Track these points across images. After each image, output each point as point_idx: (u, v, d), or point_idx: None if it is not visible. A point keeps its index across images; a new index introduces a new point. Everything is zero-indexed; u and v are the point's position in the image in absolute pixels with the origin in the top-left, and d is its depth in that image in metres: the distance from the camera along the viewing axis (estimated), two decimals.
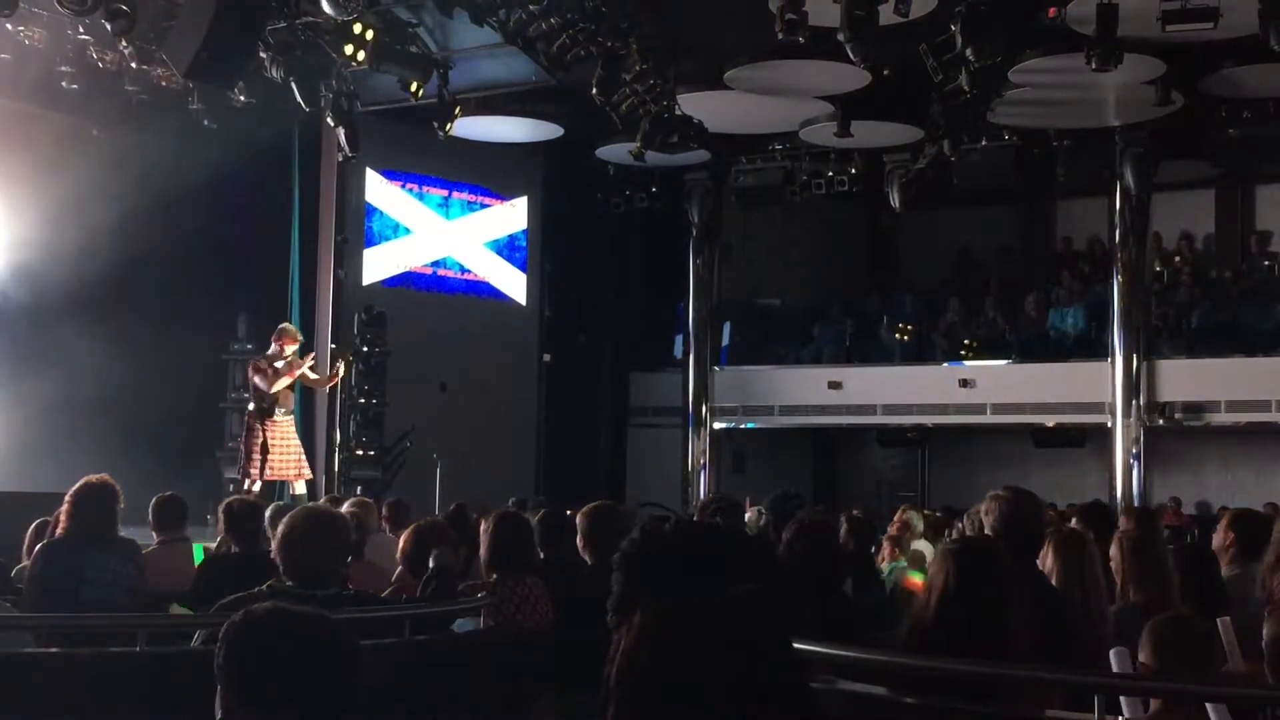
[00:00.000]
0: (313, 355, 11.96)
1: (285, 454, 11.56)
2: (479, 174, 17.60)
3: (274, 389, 11.44)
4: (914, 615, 3.69)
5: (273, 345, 11.79)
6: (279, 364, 11.52)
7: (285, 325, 12.32)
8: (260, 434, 11.37)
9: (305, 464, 12.09)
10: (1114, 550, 5.13)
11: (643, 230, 19.21)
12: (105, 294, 13.46)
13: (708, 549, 2.06)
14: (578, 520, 6.07)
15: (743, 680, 1.88)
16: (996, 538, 4.46)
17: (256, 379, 11.45)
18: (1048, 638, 3.91)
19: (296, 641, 2.42)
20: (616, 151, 16.13)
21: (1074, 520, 6.65)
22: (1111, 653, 3.68)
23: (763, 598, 1.94)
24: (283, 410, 11.59)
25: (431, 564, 5.49)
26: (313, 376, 11.75)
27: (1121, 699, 3.46)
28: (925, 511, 11.84)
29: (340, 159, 14.79)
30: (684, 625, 1.92)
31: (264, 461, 11.32)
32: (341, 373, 12.82)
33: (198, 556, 6.91)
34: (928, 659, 3.52)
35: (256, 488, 11.40)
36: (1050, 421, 17.65)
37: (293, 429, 11.83)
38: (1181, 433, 16.89)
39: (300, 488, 11.71)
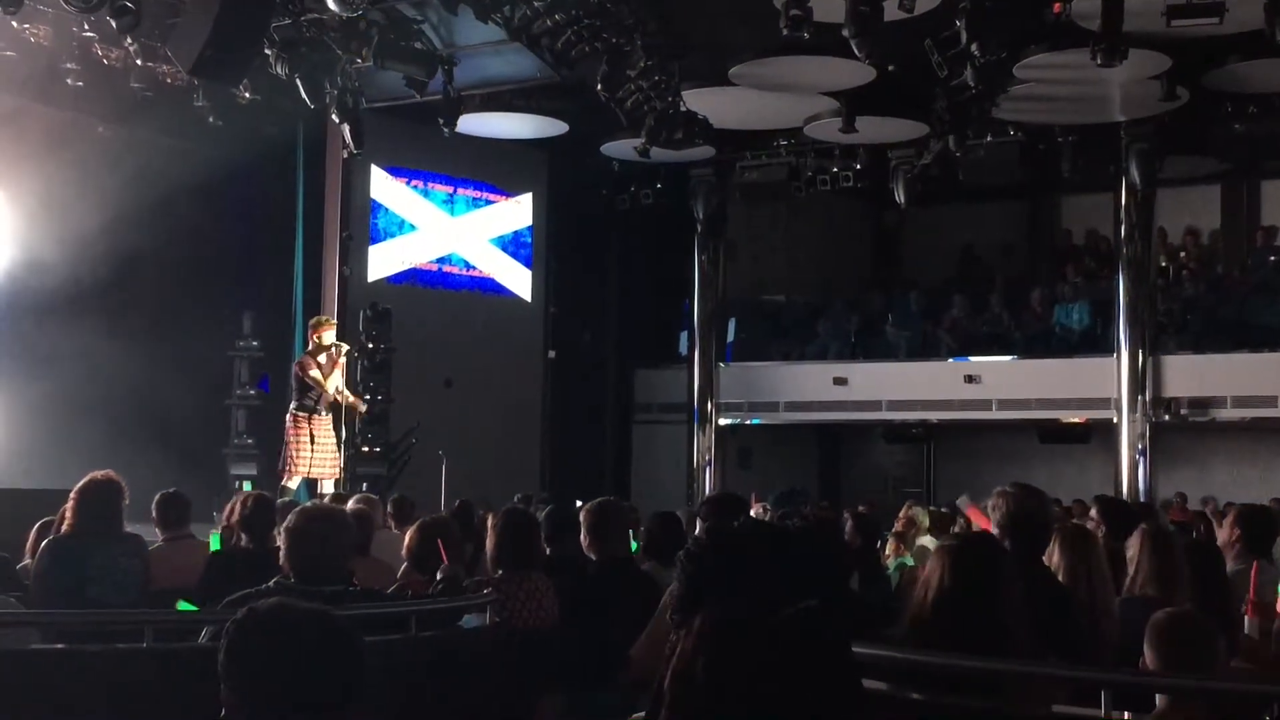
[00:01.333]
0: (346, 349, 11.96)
1: (326, 452, 11.58)
2: (484, 170, 17.60)
3: (330, 384, 11.46)
4: (911, 611, 3.69)
5: (310, 341, 11.81)
6: (321, 358, 11.54)
7: (316, 317, 12.39)
8: (306, 430, 11.37)
9: (339, 463, 12.13)
10: (1133, 541, 5.09)
11: (648, 227, 19.19)
12: (109, 290, 13.47)
13: (773, 552, 2.05)
14: (582, 517, 6.07)
15: (802, 693, 1.87)
16: (1003, 533, 4.47)
17: (314, 374, 11.43)
18: (1054, 633, 3.91)
19: (299, 638, 2.42)
20: (621, 148, 16.13)
21: (1092, 511, 6.63)
22: None
23: (827, 613, 1.94)
24: (325, 409, 11.61)
25: (440, 576, 5.48)
26: (349, 398, 11.82)
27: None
28: (930, 508, 11.84)
29: (345, 155, 14.79)
30: (744, 636, 1.91)
31: (313, 457, 11.33)
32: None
33: (215, 544, 6.99)
34: (935, 655, 3.51)
35: (293, 484, 11.40)
36: (1063, 417, 17.64)
37: (330, 427, 11.84)
38: (1187, 428, 16.87)
39: (329, 486, 11.70)
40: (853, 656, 1.96)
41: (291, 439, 11.42)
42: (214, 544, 7.11)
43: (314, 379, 11.42)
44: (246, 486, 12.23)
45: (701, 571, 2.09)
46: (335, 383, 11.57)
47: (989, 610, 3.49)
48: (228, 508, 7.40)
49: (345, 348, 11.88)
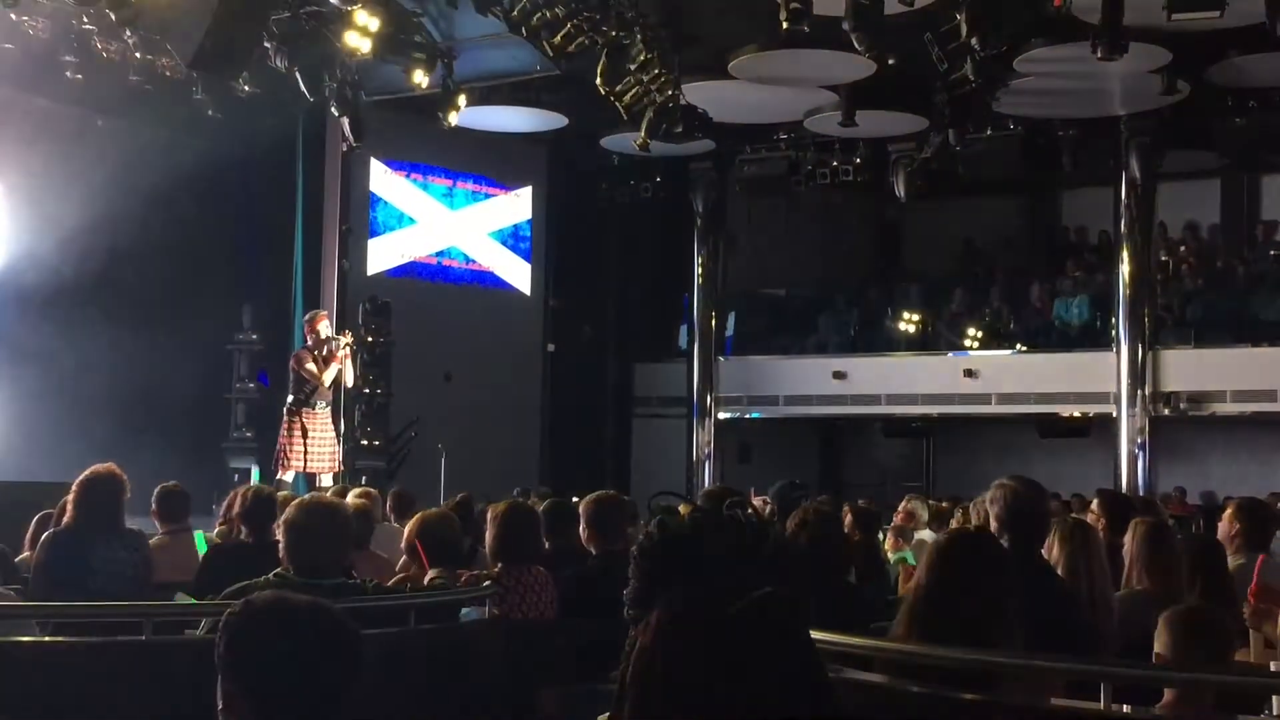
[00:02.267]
0: (348, 336, 11.90)
1: (322, 446, 11.56)
2: (483, 164, 17.59)
3: (326, 376, 11.45)
4: (904, 605, 3.69)
5: (307, 336, 11.79)
6: (319, 352, 11.52)
7: (311, 312, 12.39)
8: (300, 424, 11.36)
9: (338, 456, 12.11)
10: (1129, 538, 5.09)
11: (647, 220, 19.18)
12: (108, 283, 13.46)
13: (726, 543, 2.03)
14: (581, 510, 6.07)
15: (760, 684, 1.86)
16: (1001, 527, 4.46)
17: (310, 367, 11.41)
18: (1053, 627, 3.91)
19: (297, 631, 2.41)
20: (621, 141, 16.11)
21: (1093, 504, 6.63)
22: None
23: (780, 599, 1.93)
24: (322, 403, 11.59)
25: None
26: (348, 372, 11.77)
27: None
28: (930, 501, 11.83)
29: (344, 149, 14.77)
30: (700, 627, 1.90)
31: (305, 451, 11.31)
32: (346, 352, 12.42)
33: (201, 546, 6.96)
34: (934, 648, 3.51)
35: (289, 478, 11.39)
36: (1062, 411, 17.63)
37: (330, 421, 11.82)
38: (1186, 423, 16.87)
39: (328, 479, 11.69)
40: (811, 641, 1.95)
41: (283, 433, 11.45)
42: (199, 544, 7.05)
43: (310, 372, 11.42)
44: (256, 478, 12.22)
45: (654, 566, 2.08)
46: (333, 375, 11.55)
47: (976, 604, 3.49)
48: (226, 501, 7.40)
49: (344, 340, 11.83)
